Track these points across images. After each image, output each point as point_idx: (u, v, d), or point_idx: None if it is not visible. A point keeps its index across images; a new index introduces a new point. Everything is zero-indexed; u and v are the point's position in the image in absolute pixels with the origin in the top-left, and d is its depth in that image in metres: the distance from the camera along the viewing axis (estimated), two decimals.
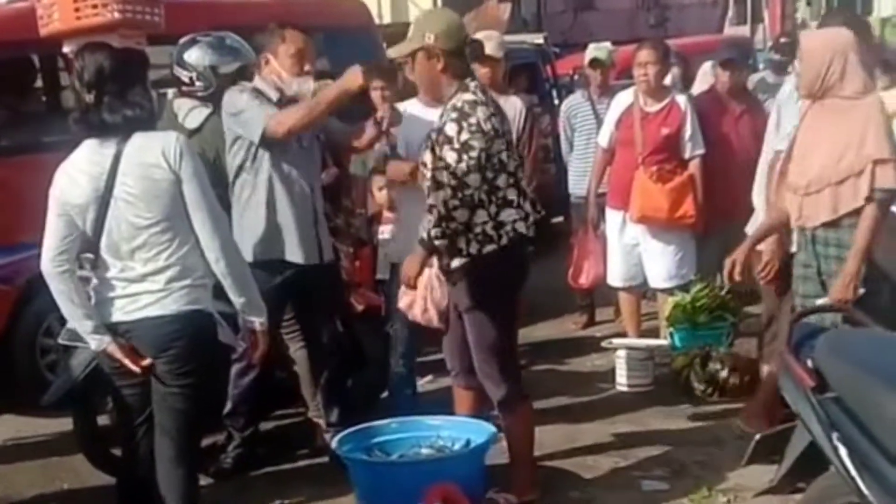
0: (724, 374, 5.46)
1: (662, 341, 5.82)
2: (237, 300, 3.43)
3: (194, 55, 4.61)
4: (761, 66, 10.09)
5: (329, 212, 4.84)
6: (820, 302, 4.02)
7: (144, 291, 3.32)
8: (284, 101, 4.36)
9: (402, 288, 4.09)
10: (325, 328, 4.71)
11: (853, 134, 3.91)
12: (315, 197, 4.50)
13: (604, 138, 6.28)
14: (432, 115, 4.23)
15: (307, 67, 4.40)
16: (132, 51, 3.61)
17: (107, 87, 3.32)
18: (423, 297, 4.05)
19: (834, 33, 4.18)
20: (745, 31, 26.02)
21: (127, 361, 3.33)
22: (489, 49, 5.15)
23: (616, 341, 5.88)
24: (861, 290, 3.91)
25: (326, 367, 4.68)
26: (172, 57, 4.62)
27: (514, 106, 5.44)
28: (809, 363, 2.73)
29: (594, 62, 7.11)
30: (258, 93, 4.37)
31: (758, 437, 3.80)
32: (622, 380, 5.72)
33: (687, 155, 5.93)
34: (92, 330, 3.33)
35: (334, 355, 4.73)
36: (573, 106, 7.34)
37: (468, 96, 3.83)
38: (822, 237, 4.04)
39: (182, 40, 4.62)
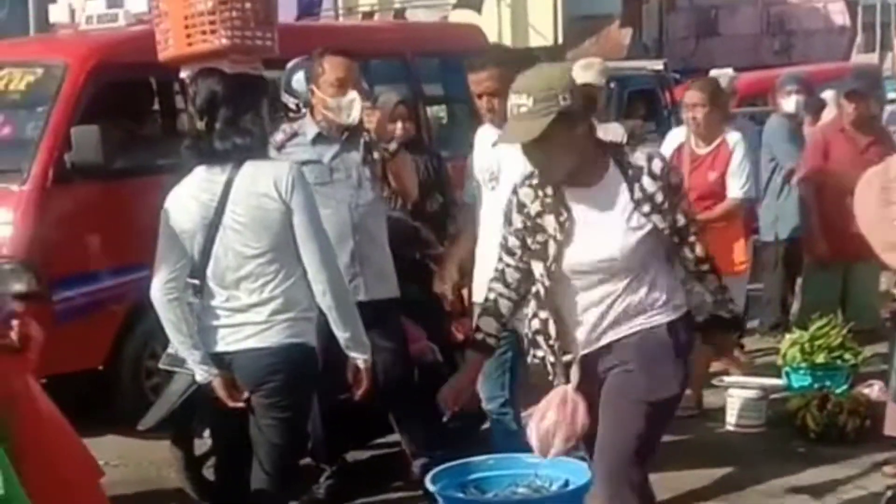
0: (842, 417, 5.20)
1: (777, 380, 5.62)
2: (341, 335, 3.39)
3: (302, 81, 4.58)
4: (892, 94, 9.77)
5: (432, 239, 4.78)
6: None
7: (248, 322, 3.30)
8: (323, 136, 4.34)
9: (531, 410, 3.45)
10: (392, 366, 4.49)
11: None
12: (357, 234, 4.35)
13: None
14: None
15: (351, 94, 4.29)
16: (246, 76, 3.56)
17: (218, 113, 3.33)
18: (565, 422, 3.26)
19: None
20: (873, 58, 25.20)
21: (225, 396, 3.32)
22: (589, 77, 5.09)
23: (728, 379, 5.68)
24: None
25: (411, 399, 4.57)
26: (279, 83, 4.63)
27: (615, 133, 5.38)
28: None
29: None
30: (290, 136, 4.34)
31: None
32: (732, 419, 5.50)
33: (729, 195, 5.46)
34: (200, 360, 3.33)
35: (424, 387, 4.65)
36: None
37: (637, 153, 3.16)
38: None
39: (289, 65, 4.62)
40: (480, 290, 4.34)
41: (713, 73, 7.36)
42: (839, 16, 29.78)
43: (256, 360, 3.29)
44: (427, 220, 5.29)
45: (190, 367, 3.40)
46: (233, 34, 3.60)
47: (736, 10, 29.99)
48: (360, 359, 3.45)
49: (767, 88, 11.20)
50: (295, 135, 4.30)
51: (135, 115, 6.26)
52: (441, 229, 5.14)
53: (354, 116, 4.30)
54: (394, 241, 4.87)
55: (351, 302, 3.44)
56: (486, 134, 4.33)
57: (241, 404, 3.31)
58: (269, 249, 3.28)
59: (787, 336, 5.41)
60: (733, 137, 5.59)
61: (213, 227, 3.28)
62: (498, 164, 4.16)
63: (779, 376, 5.76)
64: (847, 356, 5.34)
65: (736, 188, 5.45)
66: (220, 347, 3.33)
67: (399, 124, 5.38)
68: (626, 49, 20.22)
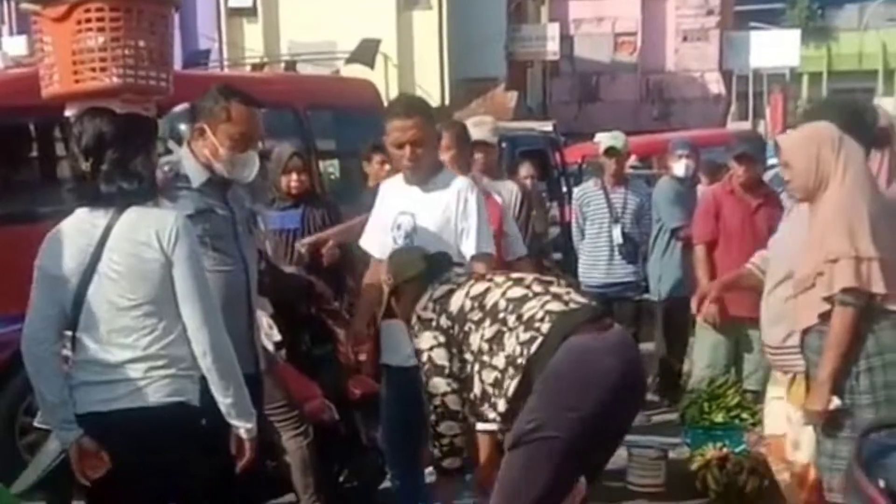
0: (742, 477, 5.16)
1: (676, 439, 5.58)
2: (222, 401, 3.12)
3: (186, 128, 4.09)
4: (771, 160, 10.04)
5: (328, 294, 4.63)
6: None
7: (122, 379, 3.03)
8: (214, 182, 3.68)
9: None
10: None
11: (818, 232, 3.61)
12: (253, 296, 3.82)
13: None
14: (410, 193, 4.07)
15: (251, 152, 3.73)
16: (137, 117, 3.34)
17: (105, 154, 3.09)
18: None
19: (813, 126, 3.88)
20: (747, 126, 26.14)
21: (79, 469, 3.03)
22: (482, 134, 5.11)
23: (628, 438, 5.61)
24: (836, 402, 3.54)
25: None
26: (164, 129, 4.37)
27: (510, 190, 5.44)
28: (882, 484, 2.46)
29: (610, 150, 6.99)
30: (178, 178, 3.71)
31: None
32: (633, 479, 5.43)
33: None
34: (61, 421, 3.04)
35: (321, 446, 4.46)
36: (586, 194, 7.21)
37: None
38: (807, 344, 3.71)
39: (174, 110, 4.26)
40: (389, 349, 4.20)
41: (606, 135, 7.42)
42: (715, 85, 30.90)
43: (134, 420, 3.02)
44: (322, 274, 5.13)
45: (52, 428, 3.11)
46: (125, 72, 3.41)
47: (616, 78, 30.87)
48: (242, 428, 3.18)
49: (652, 152, 11.47)
50: (177, 175, 3.70)
51: (12, 161, 5.96)
52: (337, 282, 4.99)
53: (249, 176, 3.81)
54: (288, 295, 4.69)
55: (234, 365, 3.15)
56: (395, 185, 4.18)
57: (100, 475, 3.01)
58: (146, 302, 3.03)
59: (685, 395, 5.37)
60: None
61: (87, 274, 3.02)
62: (413, 218, 4.02)
63: (676, 435, 5.73)
64: (745, 415, 5.33)
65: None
66: (93, 407, 3.05)
67: (294, 176, 5.26)
68: (511, 111, 20.50)
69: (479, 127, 5.35)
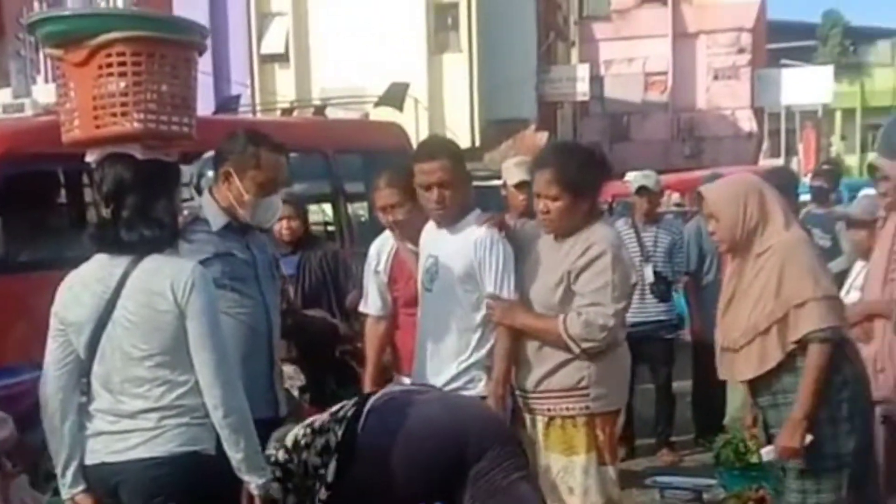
0: None
1: (711, 480, 5.47)
2: (233, 455, 3.03)
3: (213, 175, 4.03)
4: (804, 196, 9.95)
5: (352, 335, 4.59)
6: (765, 451, 3.73)
7: (135, 429, 2.99)
8: (233, 227, 3.67)
9: None
10: None
11: (771, 278, 3.58)
12: (274, 338, 3.78)
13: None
14: (439, 235, 4.00)
15: (275, 197, 3.74)
16: (159, 163, 3.28)
17: (126, 201, 3.06)
18: None
19: (738, 176, 3.88)
20: (779, 163, 26.03)
21: None
22: (525, 174, 4.98)
23: (660, 479, 5.52)
24: (809, 437, 3.53)
25: None
26: (191, 175, 4.36)
27: None
28: None
29: (642, 190, 6.93)
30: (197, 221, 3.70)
31: None
32: None
33: None
34: (68, 472, 3.02)
35: None
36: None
37: None
38: (765, 388, 3.67)
39: (203, 157, 4.22)
40: None
41: (637, 174, 7.36)
42: (746, 122, 30.82)
43: (146, 470, 2.96)
44: (343, 316, 5.11)
45: (58, 476, 3.07)
46: (146, 117, 3.32)
47: (647, 117, 30.87)
48: (253, 484, 3.08)
49: (685, 189, 11.37)
50: (197, 219, 3.71)
51: (41, 208, 5.99)
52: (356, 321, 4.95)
53: (271, 221, 3.85)
54: (313, 338, 4.66)
55: (247, 420, 3.06)
56: (429, 229, 4.08)
57: None
58: (160, 353, 2.98)
59: (721, 436, 5.27)
60: None
61: (102, 321, 2.98)
62: (436, 261, 3.96)
63: (711, 476, 5.62)
64: None
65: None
66: (105, 457, 3.01)
67: (284, 223, 5.17)
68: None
69: (520, 167, 5.24)
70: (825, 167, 9.46)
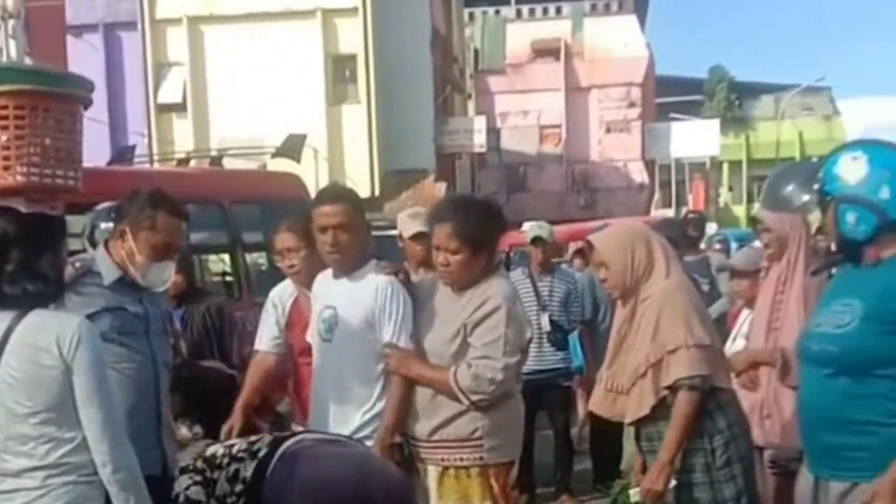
0: None
1: None
2: None
3: (106, 227, 4.05)
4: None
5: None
6: (633, 492, 3.78)
7: (20, 489, 2.89)
8: (126, 282, 3.61)
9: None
10: None
11: (650, 324, 3.68)
12: (162, 394, 3.69)
13: None
14: (335, 285, 4.02)
15: (169, 262, 3.68)
16: (43, 216, 3.21)
17: (10, 255, 2.96)
18: None
19: (625, 225, 3.95)
20: (669, 213, 26.73)
21: None
22: (421, 226, 4.93)
23: None
24: (674, 481, 3.60)
25: None
26: (84, 228, 4.29)
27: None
28: None
29: (536, 240, 7.05)
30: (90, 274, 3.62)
31: None
32: None
33: None
34: None
35: None
36: (514, 283, 7.20)
37: None
38: (645, 433, 3.76)
39: (95, 209, 4.19)
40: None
41: (532, 224, 7.50)
42: (638, 174, 31.59)
43: None
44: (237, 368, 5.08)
45: None
46: (30, 171, 3.25)
47: (543, 168, 31.43)
48: None
49: (578, 240, 11.59)
50: (89, 271, 3.62)
51: None
52: None
53: (163, 285, 3.75)
54: (211, 389, 4.62)
55: (136, 477, 2.98)
56: (324, 279, 4.07)
57: None
58: (44, 410, 2.89)
59: (617, 482, 5.33)
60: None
61: None
62: (335, 311, 3.95)
63: None
64: None
65: None
66: None
67: None
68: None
69: (415, 219, 5.22)
70: (692, 216, 9.86)
